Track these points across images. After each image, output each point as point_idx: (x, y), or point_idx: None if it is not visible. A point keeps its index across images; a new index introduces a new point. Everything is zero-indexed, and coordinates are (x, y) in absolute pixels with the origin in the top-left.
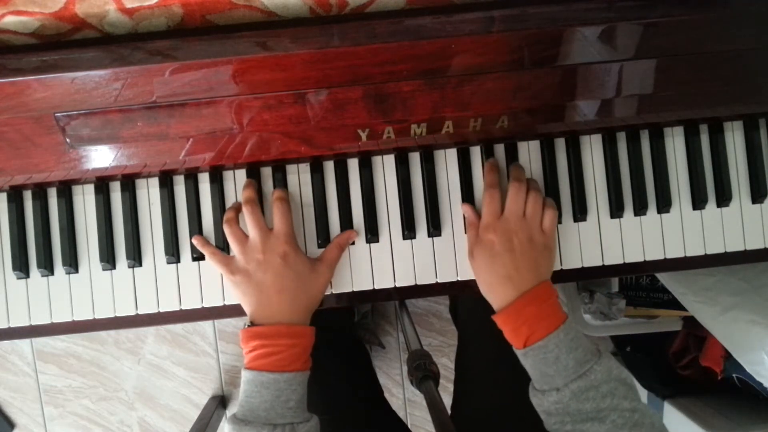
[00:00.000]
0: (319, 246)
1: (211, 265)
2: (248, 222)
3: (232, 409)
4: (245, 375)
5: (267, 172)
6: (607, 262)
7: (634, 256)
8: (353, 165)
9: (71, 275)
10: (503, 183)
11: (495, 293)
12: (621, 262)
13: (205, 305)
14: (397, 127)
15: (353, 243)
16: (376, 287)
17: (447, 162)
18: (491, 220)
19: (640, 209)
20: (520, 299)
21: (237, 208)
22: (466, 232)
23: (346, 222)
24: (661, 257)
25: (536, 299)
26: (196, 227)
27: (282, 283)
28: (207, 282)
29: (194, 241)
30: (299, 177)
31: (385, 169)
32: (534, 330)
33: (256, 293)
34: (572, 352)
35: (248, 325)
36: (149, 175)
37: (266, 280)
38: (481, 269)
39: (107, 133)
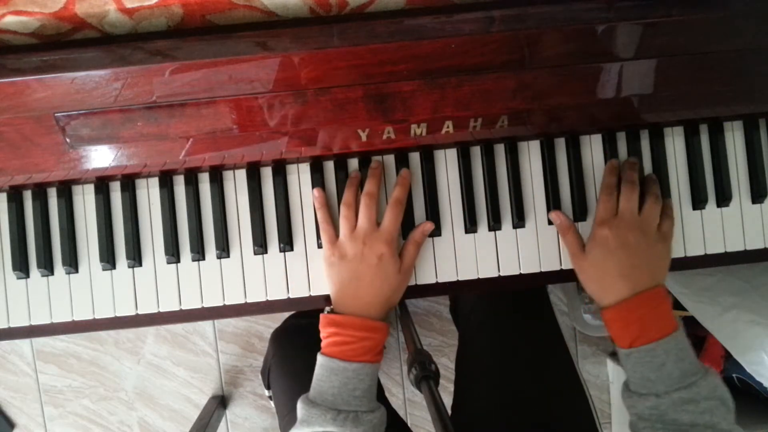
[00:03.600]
0: (319, 247)
1: (322, 233)
2: (361, 212)
3: (232, 409)
4: (319, 359)
5: (267, 172)
6: None
7: None
8: (353, 165)
9: (71, 275)
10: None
11: (606, 290)
12: None
13: (205, 305)
14: (397, 127)
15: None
16: None
17: (447, 162)
18: (607, 217)
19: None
20: (635, 298)
21: (356, 188)
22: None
23: None
24: None
25: (651, 301)
26: (195, 227)
27: (370, 278)
28: (207, 282)
29: (315, 193)
30: (299, 177)
31: (385, 169)
32: (644, 332)
33: (344, 279)
34: (679, 362)
35: (329, 311)
36: (149, 175)
37: (358, 270)
38: (592, 266)
39: (107, 133)
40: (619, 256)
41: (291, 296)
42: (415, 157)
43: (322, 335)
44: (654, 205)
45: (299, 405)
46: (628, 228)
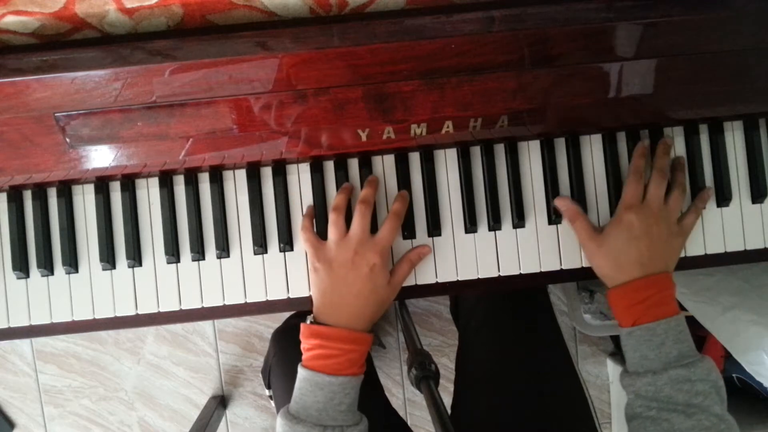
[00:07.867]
0: None
1: (302, 241)
2: (355, 219)
3: (232, 409)
4: (301, 372)
5: (267, 172)
6: None
7: None
8: (353, 165)
9: (71, 275)
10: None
11: (620, 272)
12: None
13: (205, 305)
14: (397, 127)
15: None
16: None
17: (447, 162)
18: (635, 202)
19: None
20: (642, 280)
21: (347, 195)
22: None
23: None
24: None
25: (657, 284)
26: (195, 227)
27: (359, 289)
28: (207, 282)
29: (306, 211)
30: (299, 177)
31: (385, 169)
32: (647, 312)
33: (330, 288)
34: (678, 343)
35: (311, 321)
36: (149, 175)
37: (346, 279)
38: (612, 248)
39: (107, 133)
40: (641, 244)
41: (291, 296)
42: (415, 157)
43: (303, 347)
44: (680, 196)
45: (281, 421)
46: (654, 217)
